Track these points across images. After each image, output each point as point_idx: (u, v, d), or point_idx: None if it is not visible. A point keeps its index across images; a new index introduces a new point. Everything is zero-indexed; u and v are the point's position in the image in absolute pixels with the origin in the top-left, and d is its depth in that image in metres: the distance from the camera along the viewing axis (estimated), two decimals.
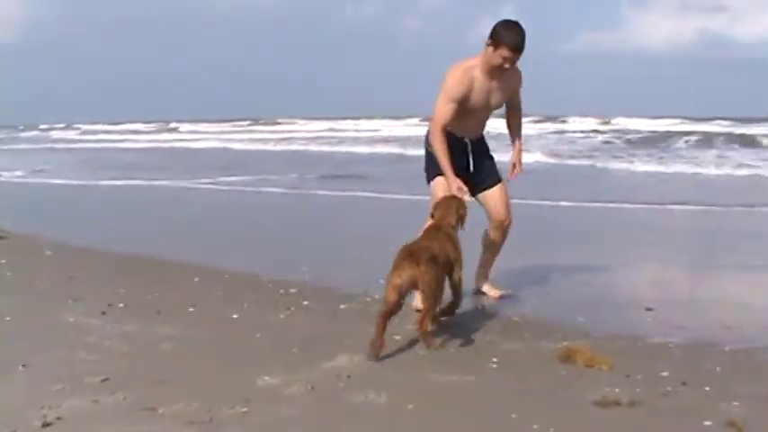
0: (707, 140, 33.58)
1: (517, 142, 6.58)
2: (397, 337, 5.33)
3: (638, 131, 41.07)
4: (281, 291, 6.84)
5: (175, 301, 6.48)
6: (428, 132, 6.24)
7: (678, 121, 48.38)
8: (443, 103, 6.03)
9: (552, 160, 24.49)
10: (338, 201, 14.34)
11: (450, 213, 5.65)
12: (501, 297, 6.70)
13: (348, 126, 56.91)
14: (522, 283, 7.18)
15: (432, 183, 6.26)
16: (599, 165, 23.21)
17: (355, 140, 39.70)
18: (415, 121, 50.29)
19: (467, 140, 6.36)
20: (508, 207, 6.47)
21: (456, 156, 6.16)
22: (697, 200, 13.99)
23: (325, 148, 35.48)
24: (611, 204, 13.44)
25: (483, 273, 6.82)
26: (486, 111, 6.29)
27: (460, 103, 6.04)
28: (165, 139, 47.95)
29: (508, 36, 5.86)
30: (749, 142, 32.65)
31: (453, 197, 5.82)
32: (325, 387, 4.36)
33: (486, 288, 6.82)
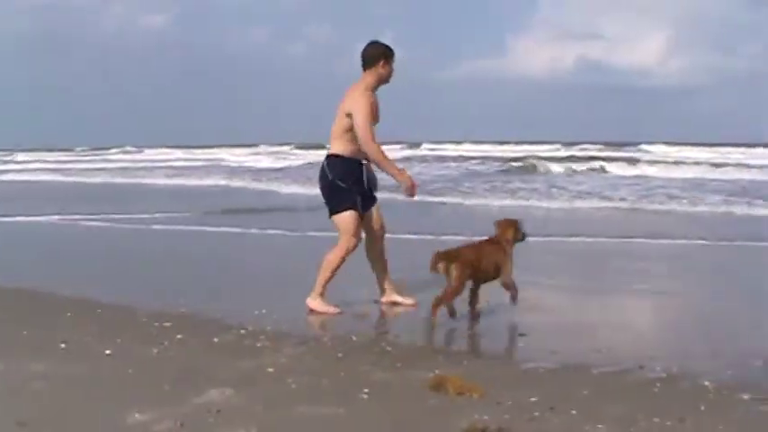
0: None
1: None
2: (270, 370, 5.27)
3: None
4: (156, 324, 6.67)
5: (47, 337, 6.24)
6: (326, 166, 7.05)
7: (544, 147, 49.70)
8: (368, 124, 6.83)
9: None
10: (218, 235, 14.09)
11: (507, 232, 6.91)
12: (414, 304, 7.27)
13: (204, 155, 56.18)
14: (395, 312, 7.27)
15: (342, 215, 6.96)
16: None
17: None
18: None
19: (363, 163, 7.02)
20: (383, 218, 7.34)
21: (355, 174, 7.01)
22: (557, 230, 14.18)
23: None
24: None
25: (389, 285, 7.37)
26: (375, 123, 6.98)
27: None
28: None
29: (390, 48, 7.03)
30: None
31: (513, 221, 7.06)
32: (195, 423, 4.25)
33: (398, 298, 7.35)
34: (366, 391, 4.83)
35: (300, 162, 39.42)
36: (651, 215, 17.89)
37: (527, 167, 35.05)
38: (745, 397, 4.87)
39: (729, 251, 12.06)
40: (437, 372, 5.10)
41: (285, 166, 38.20)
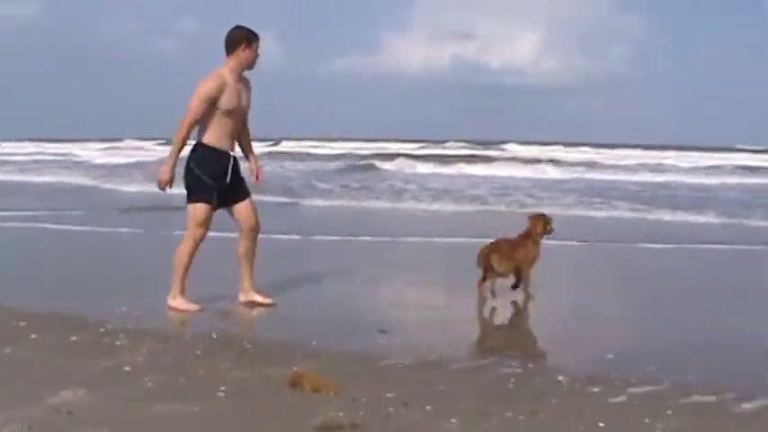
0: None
1: (252, 155, 7.42)
2: (127, 369, 5.18)
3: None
4: (12, 323, 6.46)
5: None
6: (191, 154, 6.94)
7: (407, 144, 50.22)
8: (195, 103, 6.75)
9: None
10: (78, 233, 13.66)
11: (538, 225, 7.90)
12: (274, 303, 7.25)
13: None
14: (255, 310, 7.25)
15: (196, 206, 6.89)
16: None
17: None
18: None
19: (231, 155, 6.99)
20: (258, 216, 7.22)
21: (220, 167, 6.92)
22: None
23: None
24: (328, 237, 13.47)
25: (249, 285, 7.30)
26: (239, 112, 6.98)
27: (215, 103, 6.77)
28: None
29: (253, 32, 6.95)
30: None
31: (541, 215, 8.17)
32: (44, 425, 4.13)
33: (258, 298, 7.29)
34: (223, 389, 4.80)
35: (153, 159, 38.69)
36: (498, 216, 17.53)
37: (369, 167, 35.13)
38: (596, 390, 5.05)
39: (585, 250, 12.45)
40: (295, 369, 5.10)
41: (133, 162, 36.80)
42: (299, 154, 46.50)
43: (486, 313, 7.61)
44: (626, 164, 39.44)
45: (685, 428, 4.41)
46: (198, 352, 5.72)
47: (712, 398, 4.94)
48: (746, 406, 4.82)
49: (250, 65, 6.99)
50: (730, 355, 6.22)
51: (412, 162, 36.30)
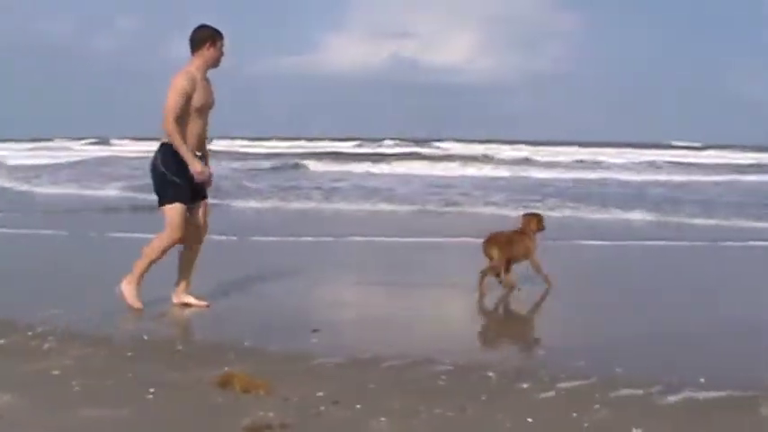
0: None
1: (206, 157, 7.22)
2: (56, 372, 5.13)
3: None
4: None
5: None
6: (157, 155, 6.90)
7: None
8: (174, 99, 6.71)
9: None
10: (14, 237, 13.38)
11: (531, 224, 8.54)
12: (208, 305, 7.22)
13: None
14: (188, 311, 7.21)
15: (169, 207, 6.90)
16: None
17: None
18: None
19: (199, 155, 6.97)
20: (207, 220, 7.25)
21: (187, 167, 6.84)
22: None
23: None
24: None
25: (184, 287, 7.26)
26: (207, 109, 7.01)
27: (188, 101, 6.77)
28: None
29: (218, 31, 6.99)
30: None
31: (534, 214, 8.76)
32: None
33: (191, 300, 7.25)
34: (152, 391, 4.77)
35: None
36: (433, 216, 17.61)
37: (299, 166, 35.32)
38: (525, 386, 5.12)
39: None
40: (226, 369, 5.09)
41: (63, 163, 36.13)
42: (234, 153, 46.10)
43: (422, 312, 7.61)
44: (561, 161, 39.96)
45: (612, 422, 4.50)
46: (129, 354, 5.67)
47: (639, 391, 5.04)
48: (671, 398, 4.93)
49: (215, 63, 7.03)
50: (659, 348, 6.34)
51: (348, 160, 36.36)
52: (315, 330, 6.41)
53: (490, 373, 5.36)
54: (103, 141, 65.02)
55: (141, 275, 7.02)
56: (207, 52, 6.91)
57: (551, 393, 4.98)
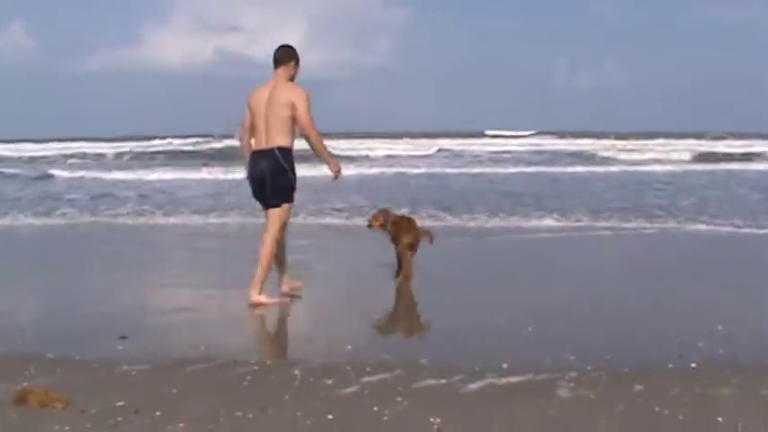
0: None
1: None
2: None
3: None
4: None
5: None
6: (279, 158, 7.50)
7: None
8: (308, 107, 7.54)
9: None
10: None
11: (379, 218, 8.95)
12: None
13: None
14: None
15: (287, 206, 7.70)
16: None
17: None
18: None
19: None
20: None
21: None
22: None
23: None
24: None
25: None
26: None
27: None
28: None
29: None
30: None
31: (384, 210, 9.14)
32: None
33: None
34: None
35: None
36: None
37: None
38: (330, 382, 5.24)
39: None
40: (26, 384, 4.99)
41: None
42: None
43: (234, 313, 7.56)
44: (395, 154, 40.49)
45: (413, 412, 4.66)
46: None
47: (442, 380, 5.24)
48: (472, 386, 5.16)
49: (292, 78, 7.80)
50: (465, 337, 6.54)
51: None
52: (123, 337, 6.33)
53: (296, 371, 5.44)
54: None
55: (265, 276, 7.61)
56: (292, 69, 7.73)
57: (355, 388, 5.11)
